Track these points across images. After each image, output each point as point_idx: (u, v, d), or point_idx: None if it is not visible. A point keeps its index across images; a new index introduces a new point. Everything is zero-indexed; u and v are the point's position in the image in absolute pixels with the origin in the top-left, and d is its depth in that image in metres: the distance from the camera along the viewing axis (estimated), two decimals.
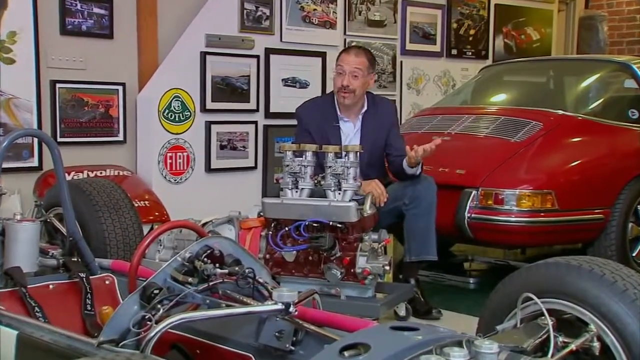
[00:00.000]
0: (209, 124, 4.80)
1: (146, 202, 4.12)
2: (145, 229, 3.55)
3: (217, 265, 1.84)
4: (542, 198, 3.68)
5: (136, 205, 3.35)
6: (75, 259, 2.31)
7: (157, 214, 4.12)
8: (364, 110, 3.55)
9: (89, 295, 2.15)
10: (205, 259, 1.83)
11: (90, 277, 2.23)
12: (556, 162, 3.91)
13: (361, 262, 2.91)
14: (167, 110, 4.59)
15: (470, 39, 6.46)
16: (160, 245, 3.15)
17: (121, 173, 4.39)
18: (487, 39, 6.62)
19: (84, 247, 2.33)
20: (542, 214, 3.70)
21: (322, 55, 5.32)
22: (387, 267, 2.92)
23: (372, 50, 5.80)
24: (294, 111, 3.68)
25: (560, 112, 4.22)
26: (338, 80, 3.47)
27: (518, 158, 3.85)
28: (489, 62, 6.42)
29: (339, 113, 3.55)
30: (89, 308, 2.14)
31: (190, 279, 1.80)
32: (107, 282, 2.28)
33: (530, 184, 3.74)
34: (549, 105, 4.34)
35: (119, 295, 2.24)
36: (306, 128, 3.52)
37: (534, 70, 5.25)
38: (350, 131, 3.56)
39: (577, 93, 4.81)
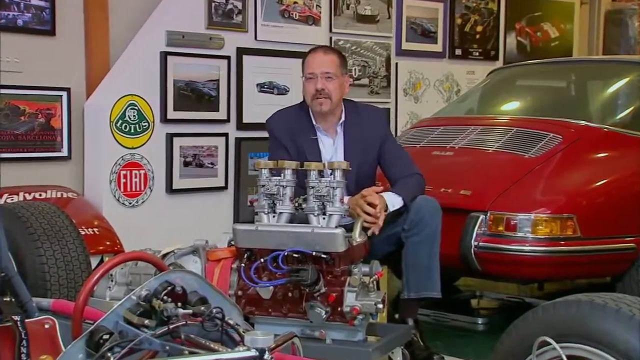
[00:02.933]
0: (170, 137, 4.80)
1: (95, 230, 4.11)
2: (94, 261, 3.53)
3: (179, 304, 1.83)
4: (561, 224, 3.71)
5: (83, 233, 3.33)
6: (8, 299, 2.29)
7: (108, 243, 4.10)
8: (342, 121, 3.58)
9: (24, 342, 2.13)
10: (165, 297, 1.83)
11: (26, 320, 2.20)
12: (578, 181, 3.94)
13: (350, 299, 2.91)
14: (120, 121, 4.59)
15: (478, 37, 6.53)
16: (112, 281, 3.13)
17: (65, 195, 4.38)
18: (497, 37, 6.69)
19: (19, 285, 2.31)
20: (561, 242, 3.73)
21: (304, 56, 5.34)
22: (381, 305, 2.92)
23: (362, 51, 5.88)
24: None
25: (583, 122, 4.26)
26: (310, 86, 3.50)
27: (533, 177, 3.88)
28: (499, 64, 6.49)
29: (315, 124, 3.58)
30: (24, 358, 2.11)
31: (146, 321, 1.79)
32: (46, 326, 2.26)
33: (548, 207, 3.77)
34: (569, 115, 4.38)
35: (60, 341, 2.22)
36: (280, 141, 3.56)
37: (552, 73, 5.31)
38: (329, 146, 3.57)
39: (602, 100, 4.86)
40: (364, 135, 3.56)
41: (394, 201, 3.37)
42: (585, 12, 7.69)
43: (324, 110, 3.50)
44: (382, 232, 3.35)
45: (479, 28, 6.53)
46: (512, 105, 5.08)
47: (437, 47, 6.28)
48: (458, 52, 6.42)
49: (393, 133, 5.77)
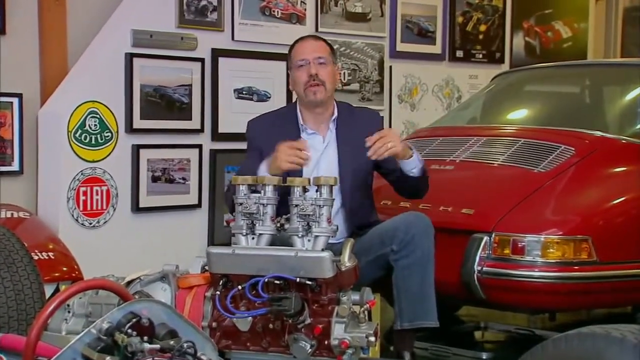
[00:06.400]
0: (136, 149, 4.80)
1: (50, 254, 4.08)
2: (49, 290, 3.51)
3: (146, 338, 1.83)
4: (575, 246, 3.72)
5: (36, 258, 3.31)
6: None
7: (64, 269, 4.08)
8: (334, 117, 3.63)
9: None
10: (130, 331, 1.82)
11: None
12: (593, 199, 3.96)
13: (338, 331, 2.91)
14: (79, 131, 4.58)
15: (481, 37, 6.57)
16: (69, 312, 3.11)
17: (15, 214, 4.35)
18: (503, 37, 6.74)
19: None
20: (575, 267, 3.74)
21: (287, 58, 5.36)
22: (373, 338, 2.93)
23: (352, 53, 5.90)
24: None
25: (599, 133, 4.29)
26: (302, 74, 3.58)
27: (543, 194, 3.90)
28: (505, 68, 6.53)
29: (301, 123, 3.62)
30: None
31: (108, 358, 1.79)
32: None
33: (560, 228, 3.78)
34: (583, 125, 4.41)
35: None
36: (257, 146, 3.61)
37: (564, 78, 5.34)
38: (319, 145, 3.61)
39: (620, 108, 4.89)
40: (359, 132, 3.56)
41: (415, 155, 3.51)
42: (602, 9, 7.74)
43: (318, 99, 3.56)
44: (369, 254, 3.36)
45: (483, 27, 6.57)
46: (519, 114, 5.11)
47: (436, 49, 6.31)
48: (459, 54, 6.45)
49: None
